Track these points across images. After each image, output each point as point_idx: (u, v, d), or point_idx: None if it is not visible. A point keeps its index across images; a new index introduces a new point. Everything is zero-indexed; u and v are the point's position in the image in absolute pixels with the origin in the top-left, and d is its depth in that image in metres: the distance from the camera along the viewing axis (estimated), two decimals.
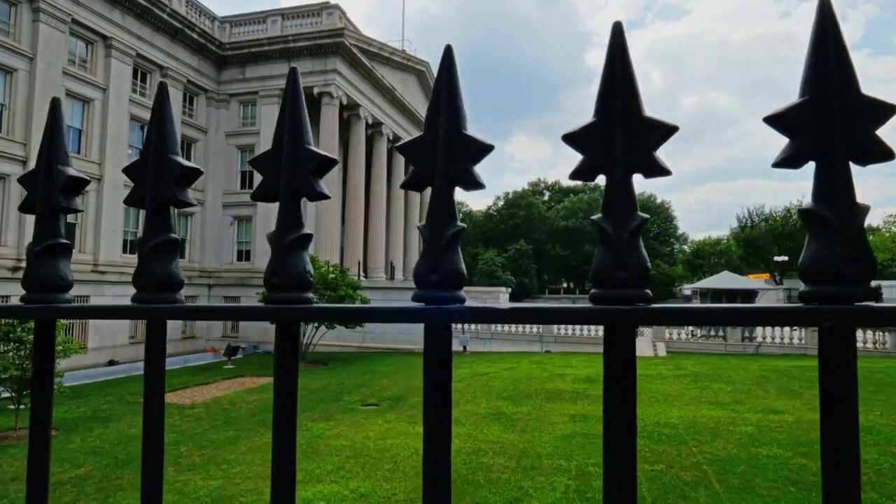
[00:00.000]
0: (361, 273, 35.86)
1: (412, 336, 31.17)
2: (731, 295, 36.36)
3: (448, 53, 0.62)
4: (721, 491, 9.39)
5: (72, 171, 0.80)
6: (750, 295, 36.97)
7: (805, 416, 14.26)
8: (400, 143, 0.63)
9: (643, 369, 22.76)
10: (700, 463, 10.83)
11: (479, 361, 25.90)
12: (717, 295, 36.43)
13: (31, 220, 24.24)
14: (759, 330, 27.90)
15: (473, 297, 43.70)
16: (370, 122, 39.53)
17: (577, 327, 30.38)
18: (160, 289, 0.74)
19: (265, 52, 35.08)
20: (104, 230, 27.22)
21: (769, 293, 44.45)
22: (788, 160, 0.52)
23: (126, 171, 0.77)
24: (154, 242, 0.74)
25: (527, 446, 11.91)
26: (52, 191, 0.80)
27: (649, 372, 22.01)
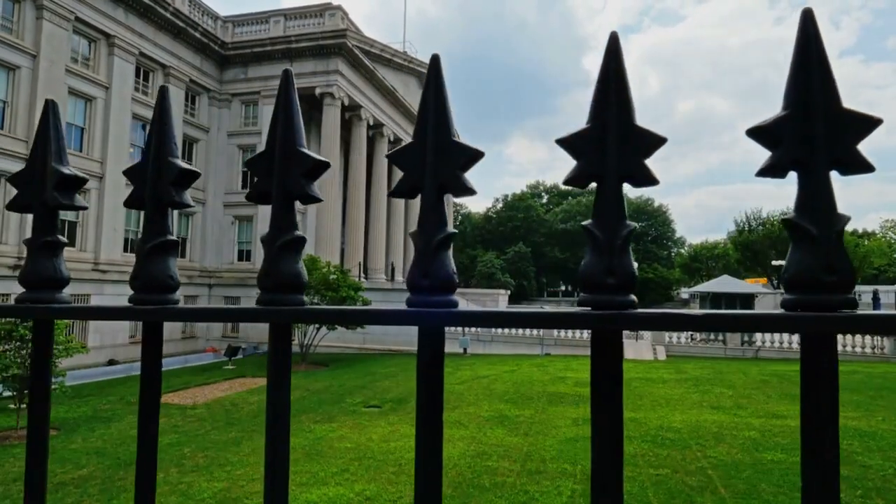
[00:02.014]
0: (362, 274, 35.78)
1: (413, 338, 31.03)
2: (731, 298, 36.34)
3: (614, 40, 0.58)
4: (727, 496, 9.35)
5: (183, 164, 0.76)
6: (749, 299, 36.97)
7: None
8: (561, 138, 0.59)
9: (644, 373, 22.73)
10: (705, 468, 10.79)
11: (479, 364, 25.83)
12: (716, 298, 36.39)
13: (30, 218, 24.05)
14: (758, 334, 27.91)
15: (472, 299, 43.58)
16: (371, 123, 39.49)
17: (578, 330, 30.28)
18: (288, 290, 0.70)
19: (267, 52, 35.05)
20: (105, 229, 27.11)
21: (767, 297, 44.48)
22: None
23: (248, 164, 0.73)
24: (283, 240, 0.69)
25: (531, 450, 11.86)
26: (161, 185, 0.75)
27: (650, 376, 21.98)
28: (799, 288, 0.53)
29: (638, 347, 29.31)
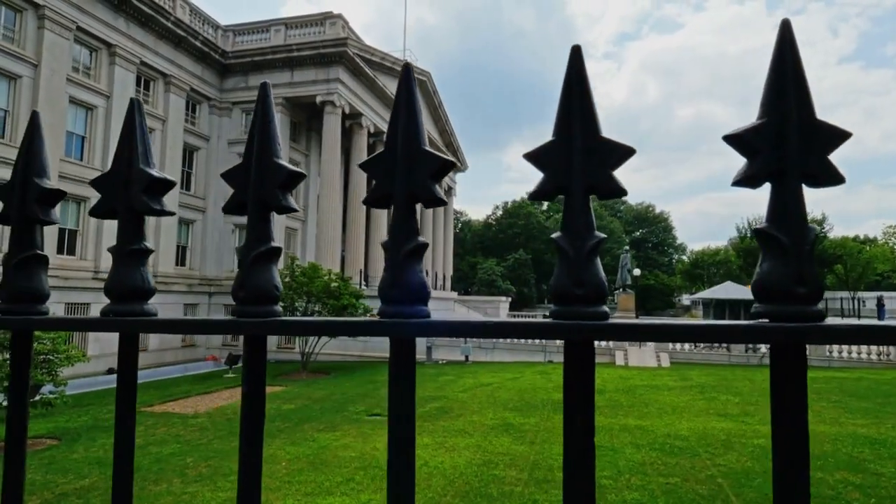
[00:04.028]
0: (363, 282, 35.71)
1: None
2: (735, 305, 36.29)
3: (786, 27, 0.53)
4: None
5: (290, 166, 0.71)
6: (751, 305, 36.85)
7: (816, 429, 14.14)
8: (730, 134, 0.54)
9: (648, 380, 22.65)
10: (715, 476, 10.70)
11: (482, 371, 25.74)
12: (720, 305, 36.33)
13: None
14: None
15: (473, 306, 43.51)
16: (372, 130, 39.57)
17: None
18: (416, 301, 0.65)
19: (268, 60, 35.12)
20: (105, 238, 27.06)
21: None
22: None
23: (364, 166, 0.68)
24: (409, 247, 0.64)
25: (538, 458, 11.76)
26: (265, 188, 0.70)
27: (655, 383, 21.89)
28: None
29: (641, 354, 29.23)
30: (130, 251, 0.77)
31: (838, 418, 15.21)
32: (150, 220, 30.08)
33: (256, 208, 0.71)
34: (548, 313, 0.62)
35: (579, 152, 0.59)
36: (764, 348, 28.18)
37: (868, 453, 11.72)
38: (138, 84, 30.18)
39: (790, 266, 0.53)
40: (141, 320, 0.75)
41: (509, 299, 51.13)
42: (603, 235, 0.60)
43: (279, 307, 0.72)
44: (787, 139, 0.54)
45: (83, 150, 27.28)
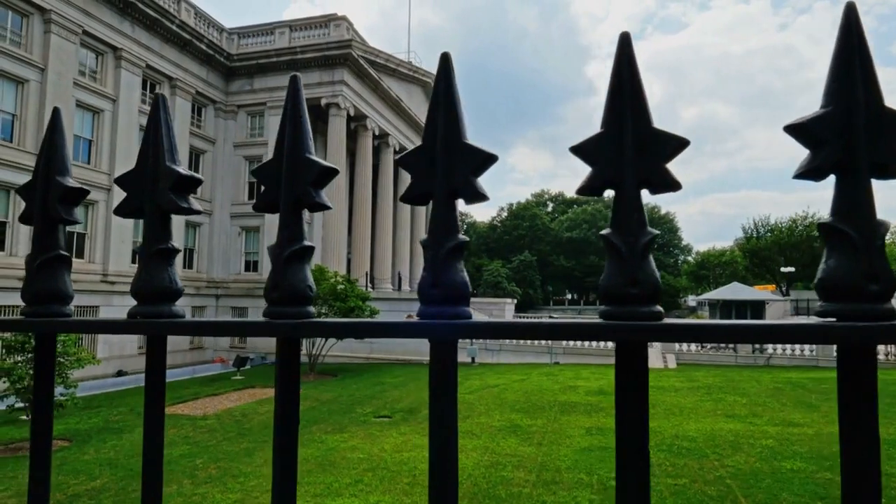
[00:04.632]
0: (369, 284, 35.71)
1: (420, 347, 30.96)
2: (742, 306, 36.10)
3: (851, 8, 0.51)
4: None
5: (323, 162, 0.69)
6: (759, 306, 36.65)
7: (825, 429, 14.04)
8: (793, 123, 0.51)
9: (654, 381, 22.55)
10: (723, 477, 10.64)
11: (488, 373, 25.69)
12: (727, 306, 36.15)
13: (24, 229, 24.16)
14: None
15: (479, 308, 43.47)
16: (377, 133, 39.57)
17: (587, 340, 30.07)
18: (459, 301, 0.62)
19: (273, 63, 35.19)
20: (113, 241, 27.18)
21: (777, 304, 44.22)
22: None
23: (401, 161, 0.66)
24: (450, 245, 0.62)
25: (545, 460, 11.72)
26: (297, 185, 0.68)
27: (662, 384, 21.79)
28: None
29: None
30: (158, 251, 0.75)
31: None
32: None
33: (289, 206, 0.69)
34: (598, 314, 0.59)
35: (630, 144, 0.57)
36: (771, 349, 28.02)
37: None
38: (144, 87, 30.31)
39: (860, 262, 0.50)
40: (170, 322, 0.73)
41: (515, 301, 51.03)
42: (656, 231, 0.58)
43: (312, 308, 0.69)
44: (855, 128, 0.51)
45: (90, 154, 27.42)
